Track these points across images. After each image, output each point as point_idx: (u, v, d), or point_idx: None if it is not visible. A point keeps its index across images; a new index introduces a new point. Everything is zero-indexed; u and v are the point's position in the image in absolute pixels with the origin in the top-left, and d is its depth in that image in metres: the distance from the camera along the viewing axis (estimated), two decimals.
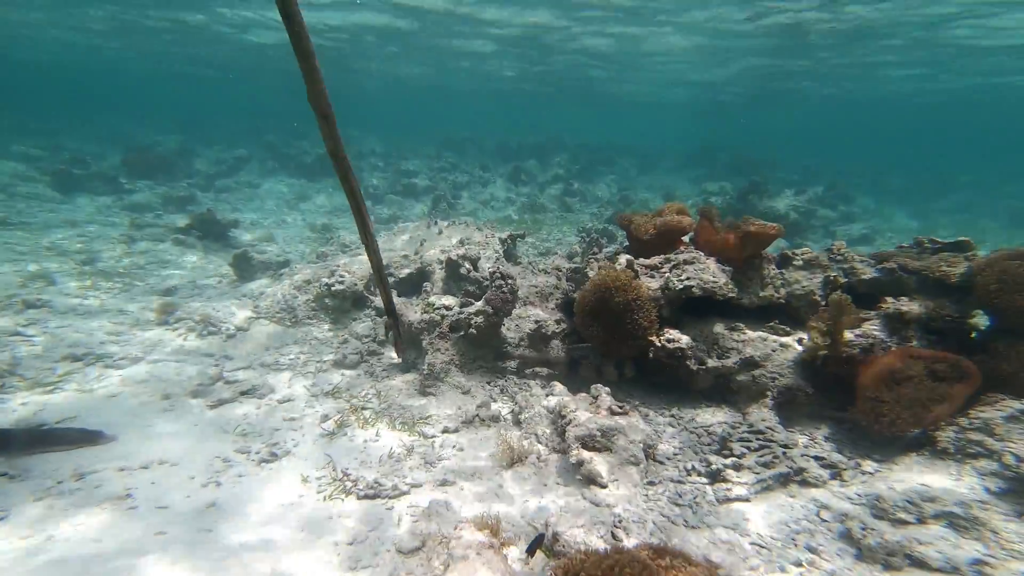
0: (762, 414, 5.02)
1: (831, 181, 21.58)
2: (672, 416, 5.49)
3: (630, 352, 5.61)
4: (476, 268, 7.69)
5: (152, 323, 6.78)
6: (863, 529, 3.66)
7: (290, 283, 7.20)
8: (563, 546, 3.70)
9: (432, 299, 6.73)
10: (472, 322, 6.10)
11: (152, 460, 4.33)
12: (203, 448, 4.54)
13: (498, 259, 8.59)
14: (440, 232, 9.09)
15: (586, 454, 4.52)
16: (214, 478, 4.16)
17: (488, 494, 4.24)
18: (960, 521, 3.62)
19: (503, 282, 6.23)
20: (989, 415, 4.14)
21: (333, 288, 7.03)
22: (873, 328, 4.86)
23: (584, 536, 3.82)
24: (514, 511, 4.00)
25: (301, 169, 21.15)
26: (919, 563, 3.37)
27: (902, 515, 3.75)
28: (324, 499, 3.93)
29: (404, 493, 4.15)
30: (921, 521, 3.71)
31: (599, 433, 4.58)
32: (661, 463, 4.79)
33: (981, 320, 4.97)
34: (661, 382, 5.84)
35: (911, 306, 4.82)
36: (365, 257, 8.22)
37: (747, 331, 5.64)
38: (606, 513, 4.02)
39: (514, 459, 4.73)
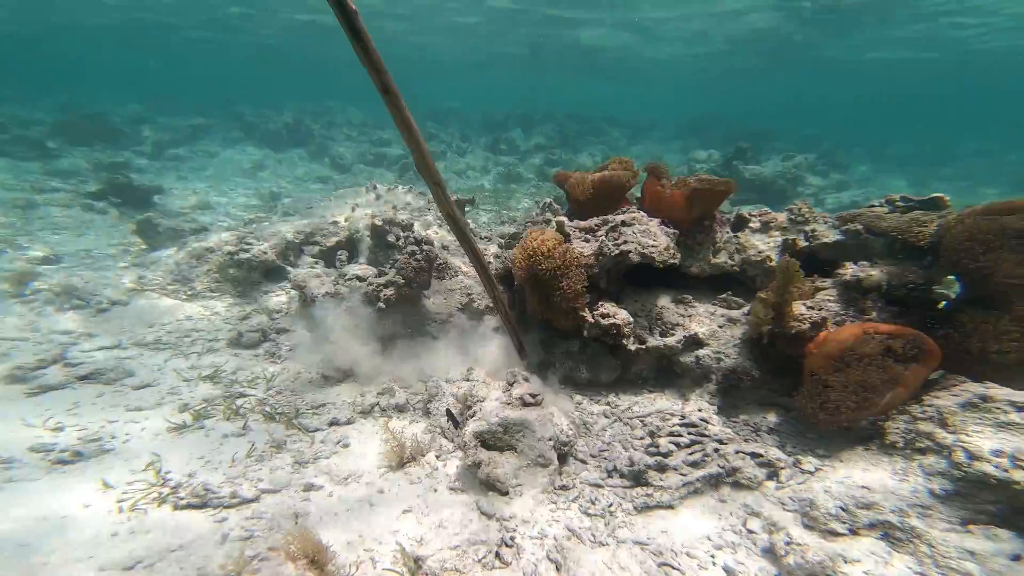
0: (700, 403, 4.23)
1: (826, 148, 20.46)
2: (608, 404, 4.72)
3: (567, 327, 4.81)
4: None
5: (2, 295, 5.82)
6: (787, 544, 2.94)
7: (188, 251, 6.30)
8: (427, 574, 2.96)
9: (345, 269, 5.89)
10: (381, 295, 5.27)
11: None
12: None
13: (440, 226, 7.72)
14: (378, 197, 8.18)
15: (484, 454, 3.75)
16: None
17: (359, 503, 3.48)
18: (896, 532, 2.93)
19: (417, 248, 5.39)
20: (944, 402, 3.33)
21: (237, 256, 6.15)
22: (828, 299, 4.01)
23: (457, 560, 3.08)
24: (379, 528, 3.24)
25: (267, 138, 20.03)
26: None
27: (834, 525, 3.06)
28: (122, 510, 3.12)
29: (248, 501, 3.38)
30: (854, 532, 3.02)
31: (501, 429, 3.79)
32: (583, 462, 4.03)
33: (952, 288, 4.11)
34: (606, 363, 5.06)
35: (871, 272, 3.93)
36: (289, 225, 7.32)
37: (695, 304, 4.82)
38: (495, 528, 3.27)
39: (405, 458, 3.97)
